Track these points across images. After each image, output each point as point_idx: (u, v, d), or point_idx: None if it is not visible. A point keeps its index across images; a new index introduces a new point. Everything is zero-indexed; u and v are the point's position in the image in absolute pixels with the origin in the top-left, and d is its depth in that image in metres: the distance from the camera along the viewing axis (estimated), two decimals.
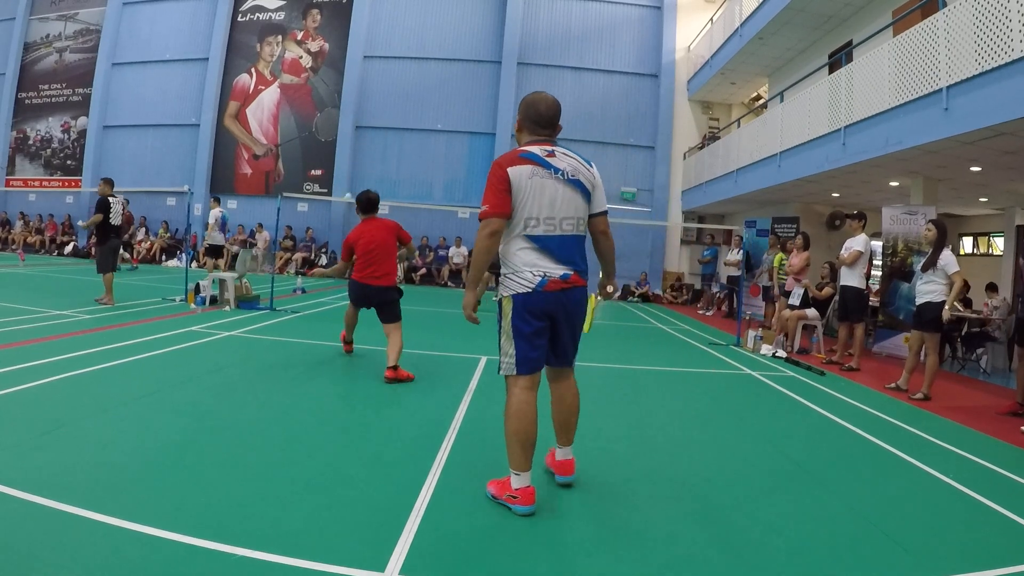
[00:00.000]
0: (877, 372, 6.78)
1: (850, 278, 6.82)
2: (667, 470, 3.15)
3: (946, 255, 5.46)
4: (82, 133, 18.30)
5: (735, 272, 11.47)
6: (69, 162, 18.60)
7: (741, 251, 10.12)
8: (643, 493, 2.79)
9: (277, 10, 17.49)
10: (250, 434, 3.24)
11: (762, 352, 7.41)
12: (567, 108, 15.92)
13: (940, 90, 6.24)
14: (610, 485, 2.85)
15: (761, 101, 15.23)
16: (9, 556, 1.87)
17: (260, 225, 16.13)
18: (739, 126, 12.74)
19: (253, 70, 17.48)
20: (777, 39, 12.17)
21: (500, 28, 16.60)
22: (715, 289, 14.02)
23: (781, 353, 7.20)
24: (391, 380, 4.55)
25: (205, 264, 10.88)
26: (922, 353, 5.74)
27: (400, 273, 15.27)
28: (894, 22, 8.48)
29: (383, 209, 17.80)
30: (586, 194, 2.56)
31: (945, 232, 5.64)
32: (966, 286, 8.27)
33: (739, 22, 13.05)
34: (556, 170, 2.48)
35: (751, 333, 7.84)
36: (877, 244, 8.69)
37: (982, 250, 13.46)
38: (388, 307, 4.89)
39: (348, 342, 5.56)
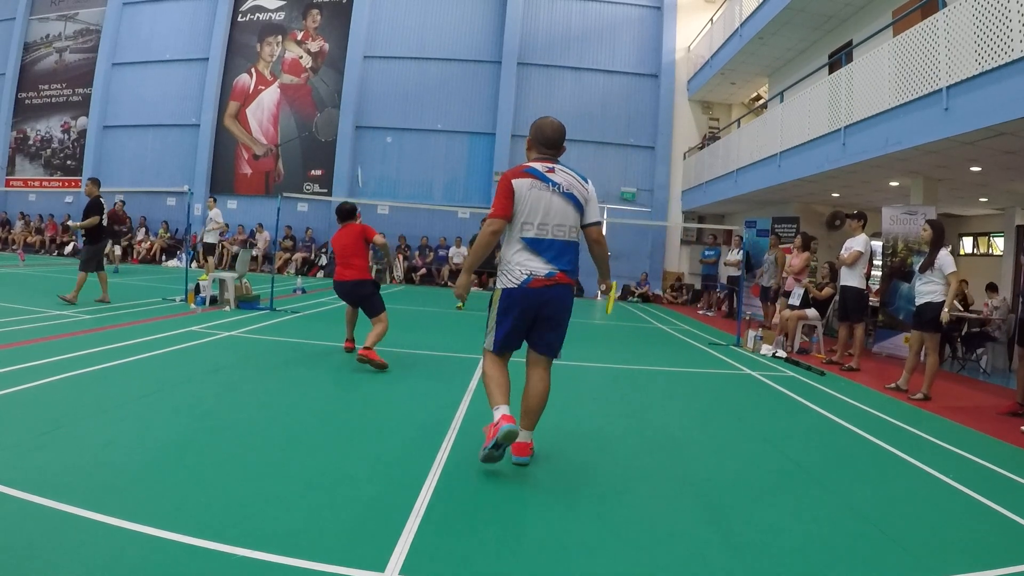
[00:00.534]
0: (877, 372, 6.78)
1: (850, 278, 6.82)
2: (667, 470, 3.15)
3: (943, 255, 5.44)
4: (82, 133, 18.30)
5: (735, 272, 11.47)
6: (69, 162, 18.60)
7: (741, 251, 10.12)
8: (643, 493, 2.80)
9: (277, 10, 17.49)
10: (250, 434, 3.24)
11: (762, 352, 7.41)
12: (567, 108, 15.95)
13: (940, 90, 6.24)
14: (610, 485, 2.85)
15: (761, 101, 15.23)
16: (9, 556, 1.86)
17: (260, 225, 16.15)
18: (739, 126, 12.74)
19: (253, 70, 17.47)
20: (777, 39, 12.17)
21: (500, 28, 16.59)
22: (717, 289, 14.01)
23: (781, 353, 7.20)
24: (362, 360, 4.82)
25: (206, 263, 10.89)
26: (922, 353, 5.74)
27: (399, 272, 15.29)
28: (894, 22, 8.49)
29: (383, 209, 17.60)
30: (578, 206, 2.96)
31: (942, 232, 5.62)
32: (964, 285, 8.26)
33: (739, 22, 13.05)
34: (553, 184, 2.91)
35: (751, 333, 7.84)
36: (877, 244, 8.70)
37: (982, 250, 13.45)
38: (367, 301, 5.32)
39: (350, 339, 5.70)
